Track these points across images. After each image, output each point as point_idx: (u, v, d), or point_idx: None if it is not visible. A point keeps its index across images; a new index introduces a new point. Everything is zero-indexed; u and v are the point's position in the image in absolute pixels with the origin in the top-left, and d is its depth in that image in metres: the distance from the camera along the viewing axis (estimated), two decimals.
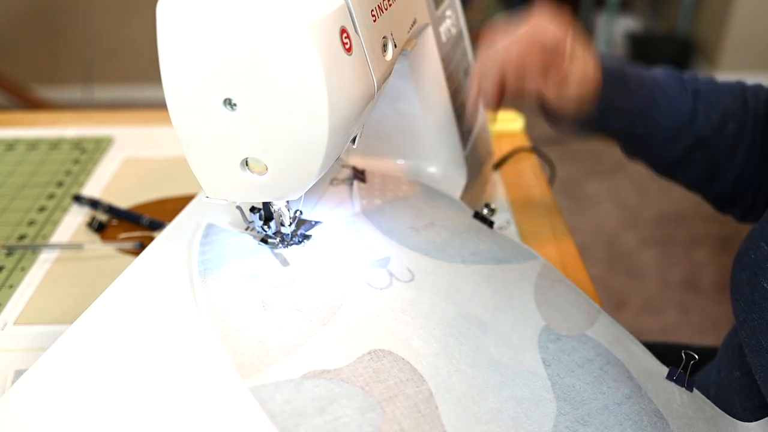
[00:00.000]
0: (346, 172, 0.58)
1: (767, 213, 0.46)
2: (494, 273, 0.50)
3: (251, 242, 0.48)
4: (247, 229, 0.49)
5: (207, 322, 0.40)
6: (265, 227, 0.48)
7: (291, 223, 0.47)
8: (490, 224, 0.56)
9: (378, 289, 0.45)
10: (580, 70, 0.52)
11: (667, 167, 0.61)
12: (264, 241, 0.49)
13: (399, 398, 0.36)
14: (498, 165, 0.75)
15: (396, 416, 0.35)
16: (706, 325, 1.57)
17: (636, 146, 0.61)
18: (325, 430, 0.34)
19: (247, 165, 0.40)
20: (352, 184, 0.56)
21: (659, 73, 0.59)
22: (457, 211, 0.57)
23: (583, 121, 0.57)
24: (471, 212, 0.57)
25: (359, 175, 0.58)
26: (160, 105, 0.42)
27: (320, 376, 0.37)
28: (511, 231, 0.66)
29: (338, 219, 0.52)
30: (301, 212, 0.52)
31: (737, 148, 0.58)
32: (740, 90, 0.60)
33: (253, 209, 0.48)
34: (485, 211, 0.57)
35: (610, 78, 0.55)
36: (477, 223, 0.56)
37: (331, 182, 0.57)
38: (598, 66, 0.54)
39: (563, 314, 0.48)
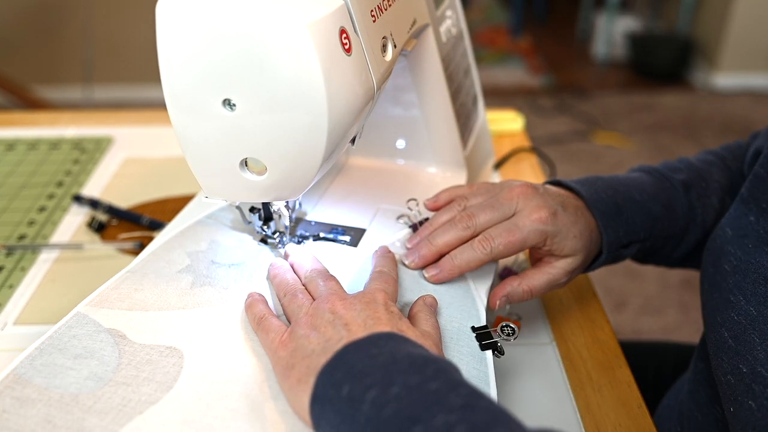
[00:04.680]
0: (418, 219, 0.53)
1: (738, 198, 0.46)
2: None
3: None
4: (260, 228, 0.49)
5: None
6: (265, 227, 0.48)
7: (290, 223, 0.47)
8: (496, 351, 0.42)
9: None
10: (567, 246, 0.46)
11: (682, 261, 0.57)
12: (264, 241, 0.49)
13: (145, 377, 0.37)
14: (498, 165, 0.75)
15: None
16: None
17: (647, 257, 0.55)
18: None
19: (246, 165, 0.40)
20: (409, 227, 0.52)
21: (645, 182, 0.53)
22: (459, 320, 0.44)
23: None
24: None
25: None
26: (160, 105, 0.42)
27: (116, 335, 0.40)
28: None
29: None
30: (300, 204, 0.52)
31: None
32: (720, 156, 0.57)
33: (252, 209, 0.48)
34: (498, 335, 0.42)
35: (608, 223, 0.48)
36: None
37: (399, 217, 0.54)
38: (589, 222, 0.48)
39: None
